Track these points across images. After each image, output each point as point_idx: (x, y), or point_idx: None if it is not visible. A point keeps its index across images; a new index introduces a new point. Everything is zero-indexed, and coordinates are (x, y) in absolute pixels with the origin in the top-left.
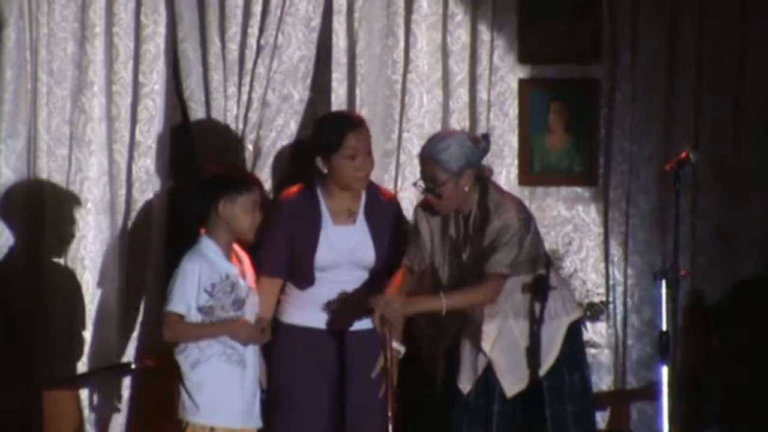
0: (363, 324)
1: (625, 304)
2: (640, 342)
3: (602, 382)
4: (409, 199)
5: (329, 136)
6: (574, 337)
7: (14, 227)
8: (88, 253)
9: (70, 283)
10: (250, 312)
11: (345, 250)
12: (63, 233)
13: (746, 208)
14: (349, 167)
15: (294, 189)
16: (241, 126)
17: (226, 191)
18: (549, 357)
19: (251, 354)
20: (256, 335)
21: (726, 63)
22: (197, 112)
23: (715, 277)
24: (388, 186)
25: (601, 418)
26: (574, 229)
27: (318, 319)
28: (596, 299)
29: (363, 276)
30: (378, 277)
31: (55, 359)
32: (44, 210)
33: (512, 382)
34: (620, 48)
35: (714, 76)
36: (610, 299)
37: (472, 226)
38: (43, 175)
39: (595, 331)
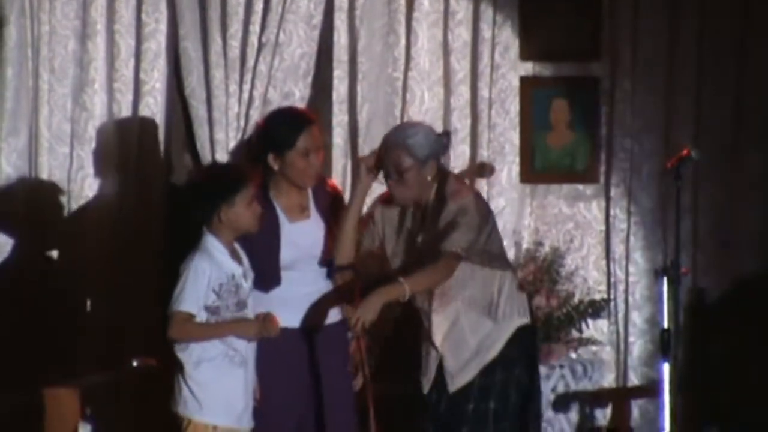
0: (331, 318)
1: (626, 301)
2: (642, 339)
3: (603, 379)
4: None
5: (283, 133)
6: (520, 340)
7: (15, 226)
8: (89, 251)
9: (71, 282)
10: (252, 310)
11: (306, 246)
12: (64, 232)
13: (747, 205)
14: (302, 164)
15: None
16: (242, 123)
17: (224, 196)
18: (487, 355)
19: (252, 354)
20: (263, 330)
21: (726, 60)
22: (198, 109)
23: (716, 275)
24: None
25: (603, 416)
26: (576, 227)
27: (289, 319)
28: (598, 297)
29: (323, 270)
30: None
31: (56, 358)
32: (45, 208)
33: (456, 376)
34: (621, 45)
35: (714, 73)
36: (612, 297)
37: (429, 213)
38: (44, 173)
39: (597, 329)
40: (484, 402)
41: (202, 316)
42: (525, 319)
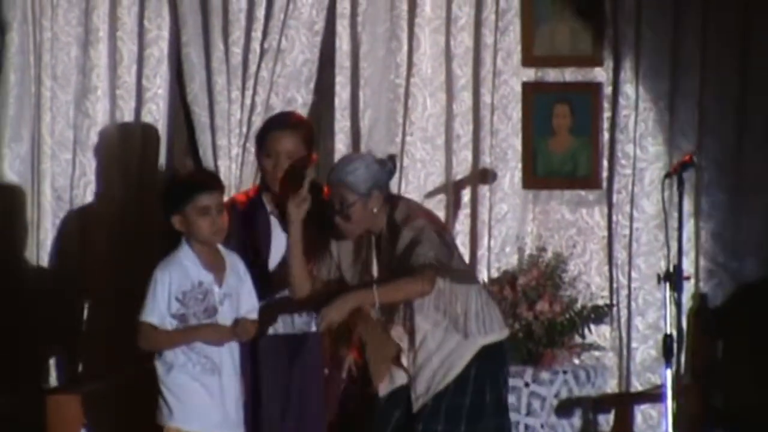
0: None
1: (629, 307)
2: (644, 345)
3: (606, 385)
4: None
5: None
6: (485, 358)
7: (17, 231)
8: (91, 257)
9: (72, 287)
10: (229, 317)
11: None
12: (65, 238)
13: (750, 210)
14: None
15: (242, 195)
16: (245, 130)
17: (175, 204)
18: (448, 376)
19: (228, 361)
20: (227, 336)
21: (729, 66)
22: (201, 116)
23: (718, 280)
24: (391, 190)
25: (606, 421)
26: (578, 233)
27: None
28: (600, 302)
29: None
30: None
31: (56, 363)
32: (45, 215)
33: (418, 396)
34: (623, 51)
35: (717, 78)
36: (614, 302)
37: (383, 242)
38: (47, 179)
39: (600, 334)
40: (433, 424)
41: (170, 324)
42: (490, 337)
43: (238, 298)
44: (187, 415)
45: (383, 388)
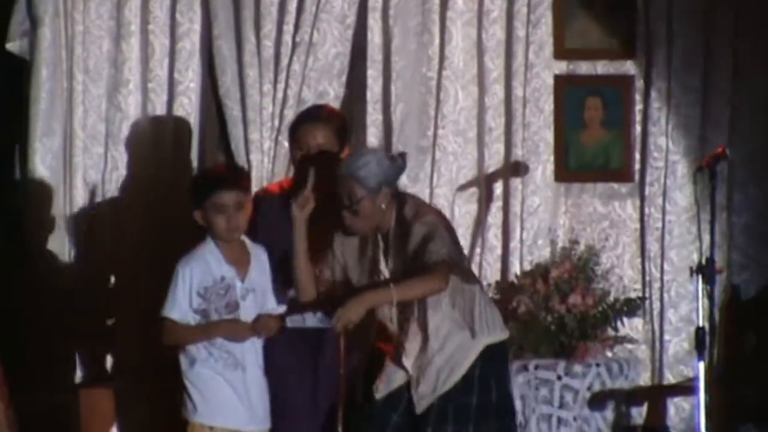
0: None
1: (661, 299)
2: (677, 337)
3: (639, 377)
4: (444, 196)
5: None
6: (489, 358)
7: (49, 227)
8: (123, 251)
9: (105, 283)
10: (252, 312)
11: None
12: (97, 232)
13: None
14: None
15: (275, 185)
16: (276, 123)
17: (195, 200)
18: (453, 376)
19: (252, 357)
20: (246, 333)
21: (761, 58)
22: (233, 109)
23: (750, 273)
24: (423, 183)
25: (639, 414)
26: (611, 225)
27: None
28: (633, 295)
29: None
30: None
31: (89, 357)
32: (78, 209)
33: (421, 397)
34: (655, 43)
35: (749, 71)
36: (647, 295)
37: (393, 239)
38: (79, 173)
39: (632, 327)
40: (443, 426)
41: (193, 319)
42: (493, 337)
43: (264, 293)
44: (211, 410)
45: (381, 390)
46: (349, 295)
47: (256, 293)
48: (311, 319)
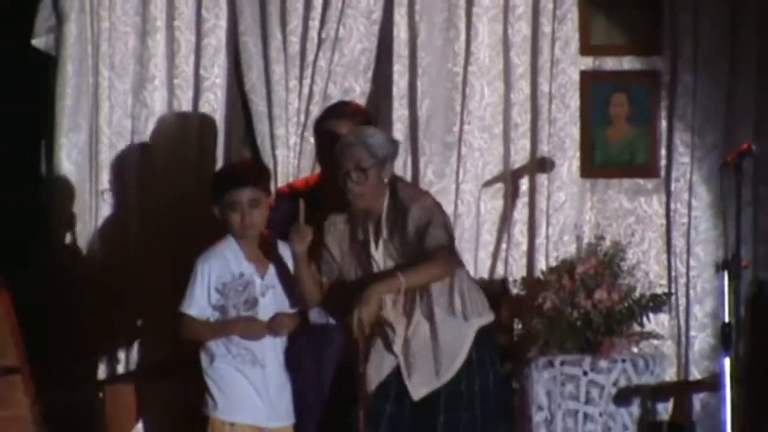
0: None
1: (687, 295)
2: (703, 333)
3: (665, 373)
4: (470, 192)
5: None
6: (481, 341)
7: (74, 222)
8: (149, 247)
9: (130, 279)
10: (272, 309)
11: None
12: (123, 229)
13: None
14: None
15: (302, 181)
16: (302, 119)
17: (214, 195)
18: (456, 361)
19: (271, 354)
20: (262, 331)
21: None
22: (258, 105)
23: None
24: (449, 179)
25: (665, 410)
26: (637, 221)
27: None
28: (658, 291)
29: None
30: None
31: (114, 353)
32: (104, 205)
33: (419, 384)
34: (681, 39)
35: None
36: (673, 291)
37: (386, 222)
38: (105, 170)
39: (658, 323)
40: (455, 412)
41: (213, 315)
42: (484, 319)
43: (287, 290)
44: (231, 406)
45: (373, 380)
46: (354, 295)
47: (277, 290)
48: (314, 316)
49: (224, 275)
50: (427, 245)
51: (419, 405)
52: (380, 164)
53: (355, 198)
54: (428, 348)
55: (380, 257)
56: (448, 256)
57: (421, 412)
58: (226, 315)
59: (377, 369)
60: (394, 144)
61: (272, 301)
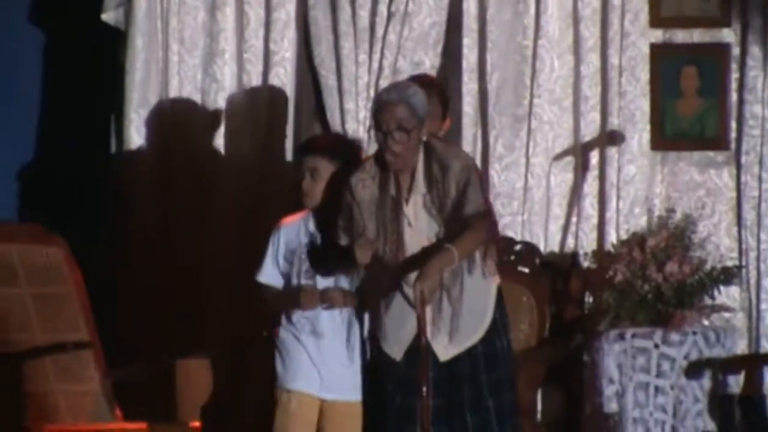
0: None
1: (758, 268)
2: None
3: (736, 346)
4: (540, 165)
5: None
6: (499, 301)
7: (145, 198)
8: (219, 222)
9: (198, 254)
10: (330, 280)
11: None
12: (193, 205)
13: None
14: None
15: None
16: (372, 93)
17: (295, 161)
18: (485, 320)
19: (329, 325)
20: (314, 302)
21: None
22: (328, 79)
23: None
24: (519, 152)
25: (736, 383)
26: (707, 194)
27: None
28: (729, 263)
29: None
30: None
31: (186, 330)
32: (176, 185)
33: (446, 345)
34: (752, 11)
35: None
36: (743, 263)
37: (427, 179)
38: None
39: (729, 296)
40: (495, 371)
41: (282, 283)
42: (498, 278)
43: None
44: (288, 374)
45: (396, 351)
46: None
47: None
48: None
49: (292, 242)
50: (467, 211)
51: (456, 367)
52: (421, 123)
53: (394, 157)
54: (453, 309)
55: (411, 213)
56: (486, 221)
57: (460, 373)
58: (289, 282)
59: (398, 339)
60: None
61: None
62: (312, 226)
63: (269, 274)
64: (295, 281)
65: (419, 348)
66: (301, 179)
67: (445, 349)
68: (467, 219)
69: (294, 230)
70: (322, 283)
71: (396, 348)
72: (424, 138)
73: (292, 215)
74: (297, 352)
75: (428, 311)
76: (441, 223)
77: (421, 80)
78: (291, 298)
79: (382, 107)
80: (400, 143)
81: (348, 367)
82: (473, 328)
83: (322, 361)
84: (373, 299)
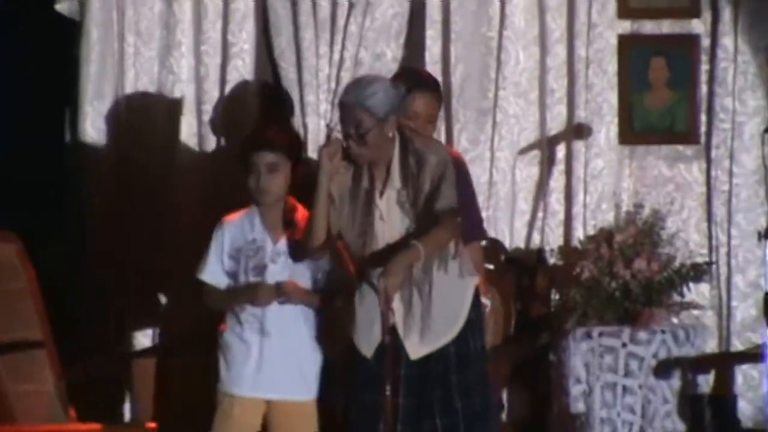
0: None
1: (728, 264)
2: (745, 303)
3: (706, 345)
4: (505, 159)
5: None
6: (476, 301)
7: (98, 193)
8: (176, 218)
9: (155, 249)
10: (281, 277)
11: None
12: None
13: None
14: None
15: None
16: (333, 85)
17: (243, 155)
18: (459, 319)
19: (277, 322)
20: (269, 297)
21: None
22: (288, 71)
23: None
24: (484, 146)
25: (706, 382)
26: (676, 189)
27: None
28: (699, 260)
29: None
30: None
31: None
32: (132, 178)
33: (417, 343)
34: (721, 2)
35: None
36: (713, 260)
37: (402, 172)
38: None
39: (698, 293)
40: (465, 371)
41: (227, 282)
42: (476, 278)
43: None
44: (232, 378)
45: (367, 348)
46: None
47: (285, 258)
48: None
49: (237, 240)
50: (438, 207)
51: (427, 366)
52: (382, 121)
53: (355, 158)
54: (426, 307)
55: (384, 206)
56: (456, 218)
57: (431, 373)
58: (236, 281)
59: (368, 337)
60: (400, 91)
61: (283, 268)
62: (258, 222)
63: (213, 272)
64: (242, 279)
65: (383, 348)
66: (255, 175)
67: (416, 348)
68: (438, 215)
69: (238, 227)
70: (270, 280)
71: (366, 345)
72: (390, 134)
73: (234, 212)
74: (240, 353)
75: (399, 309)
76: (413, 218)
77: (425, 81)
78: (244, 293)
79: (340, 107)
80: (358, 145)
81: (296, 365)
82: (446, 328)
83: (266, 360)
84: (346, 296)
